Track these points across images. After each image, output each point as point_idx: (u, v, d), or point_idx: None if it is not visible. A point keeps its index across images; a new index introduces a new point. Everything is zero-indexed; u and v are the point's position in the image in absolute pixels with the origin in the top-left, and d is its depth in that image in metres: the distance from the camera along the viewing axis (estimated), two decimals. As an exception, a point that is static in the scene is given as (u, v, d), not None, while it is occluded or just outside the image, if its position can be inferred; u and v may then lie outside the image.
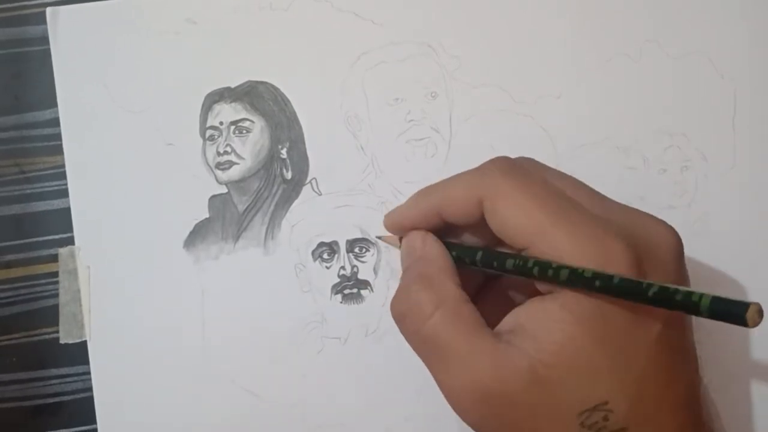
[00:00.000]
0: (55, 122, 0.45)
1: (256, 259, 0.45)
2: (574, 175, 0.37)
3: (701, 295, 0.27)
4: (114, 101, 0.45)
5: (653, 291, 0.29)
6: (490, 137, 0.45)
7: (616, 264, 0.31)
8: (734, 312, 0.26)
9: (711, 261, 0.45)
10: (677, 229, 0.34)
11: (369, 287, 0.44)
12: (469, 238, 0.38)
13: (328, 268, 0.45)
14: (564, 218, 0.32)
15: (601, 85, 0.46)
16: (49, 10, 0.45)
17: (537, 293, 0.34)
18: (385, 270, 0.44)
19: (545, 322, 0.32)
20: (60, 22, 0.45)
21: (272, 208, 0.45)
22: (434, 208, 0.36)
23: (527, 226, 0.33)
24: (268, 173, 0.45)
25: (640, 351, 0.31)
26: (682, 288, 0.28)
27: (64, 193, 0.45)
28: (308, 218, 0.45)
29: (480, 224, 0.35)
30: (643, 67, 0.46)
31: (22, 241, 0.45)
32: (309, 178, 0.45)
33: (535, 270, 0.32)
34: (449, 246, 0.37)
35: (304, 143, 0.45)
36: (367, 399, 0.44)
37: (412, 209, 0.38)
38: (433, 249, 0.36)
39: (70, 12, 0.45)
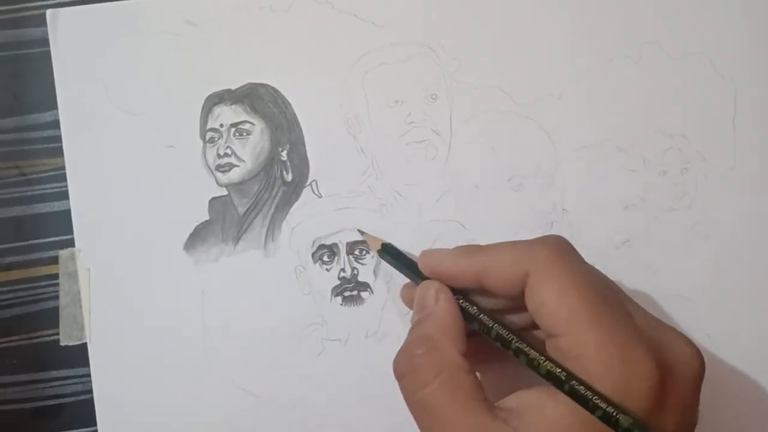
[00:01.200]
0: (56, 124, 0.45)
1: (257, 261, 0.45)
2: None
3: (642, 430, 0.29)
4: (114, 103, 0.45)
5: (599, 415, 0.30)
6: (490, 139, 0.45)
7: (640, 381, 0.31)
8: None
9: (711, 262, 0.45)
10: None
11: (369, 289, 0.44)
12: (496, 304, 0.37)
13: (328, 270, 0.45)
14: (601, 317, 0.32)
15: (601, 86, 0.46)
16: (49, 12, 0.45)
17: None
18: (385, 272, 0.44)
19: (544, 416, 0.31)
20: (60, 24, 0.45)
21: (272, 210, 0.45)
22: (476, 270, 0.36)
23: (564, 316, 0.32)
24: (268, 175, 0.45)
25: None
26: (627, 416, 0.29)
27: (64, 195, 0.45)
28: (308, 220, 0.45)
29: (518, 297, 0.34)
30: (644, 68, 0.46)
31: (22, 243, 0.45)
32: (309, 181, 0.45)
33: (543, 371, 0.32)
34: (468, 303, 0.36)
35: (304, 145, 0.45)
36: (367, 400, 0.44)
37: (453, 262, 0.37)
38: (443, 308, 0.36)
39: (70, 14, 0.45)
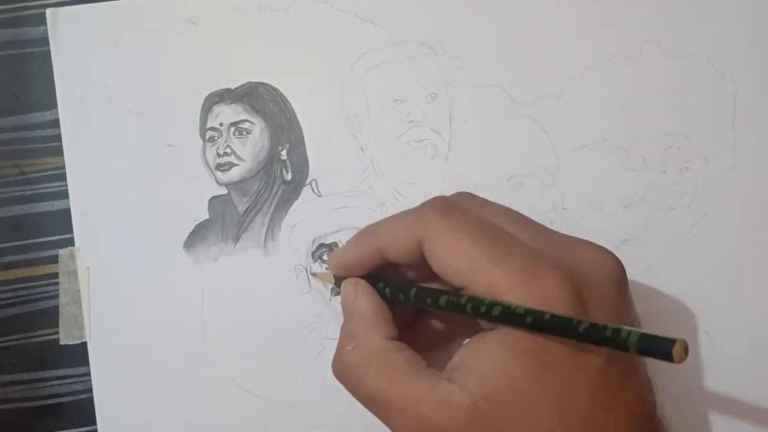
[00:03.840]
0: (55, 123, 0.45)
1: (256, 260, 0.45)
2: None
3: (629, 332, 0.28)
4: (114, 102, 0.45)
5: (583, 328, 0.29)
6: (490, 138, 0.45)
7: (553, 298, 0.31)
8: (661, 349, 0.27)
9: (711, 262, 0.45)
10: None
11: (369, 288, 0.44)
12: (413, 275, 0.38)
13: (327, 269, 0.44)
14: (499, 255, 0.32)
15: (601, 86, 0.46)
16: (49, 11, 0.45)
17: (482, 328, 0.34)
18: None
19: (485, 358, 0.32)
20: (60, 23, 0.45)
21: (272, 209, 0.45)
22: (375, 249, 0.36)
23: (464, 266, 0.33)
24: (268, 174, 0.45)
25: (583, 383, 0.31)
26: (610, 325, 0.29)
27: (64, 195, 0.45)
28: (308, 219, 0.45)
29: (423, 263, 0.35)
30: (643, 67, 0.46)
31: (22, 243, 0.45)
32: (309, 180, 0.45)
33: (468, 307, 0.32)
34: (386, 284, 0.37)
35: (304, 144, 0.45)
36: (367, 400, 0.44)
37: (354, 251, 0.37)
38: (361, 300, 0.37)
39: (70, 13, 0.45)
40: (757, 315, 0.45)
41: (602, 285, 0.33)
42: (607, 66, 0.46)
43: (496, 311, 0.31)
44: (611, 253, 0.35)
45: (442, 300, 0.34)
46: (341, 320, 0.37)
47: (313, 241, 0.45)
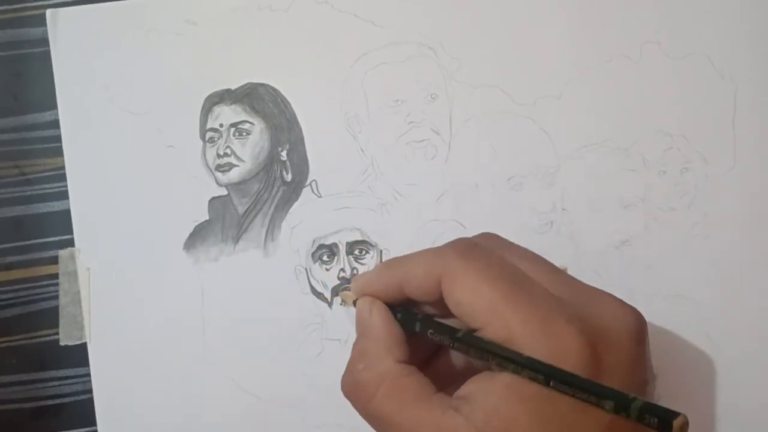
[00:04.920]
0: (55, 124, 0.45)
1: (256, 260, 0.45)
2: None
3: (631, 402, 0.28)
4: (114, 103, 0.45)
5: (582, 395, 0.29)
6: (490, 138, 0.45)
7: (568, 352, 0.31)
8: (661, 422, 0.27)
9: (711, 262, 0.45)
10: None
11: (369, 289, 0.44)
12: (431, 309, 0.37)
13: (328, 270, 0.45)
14: (517, 299, 0.32)
15: (601, 86, 0.46)
16: (48, 11, 0.45)
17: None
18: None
19: (491, 398, 0.32)
20: (60, 24, 0.45)
21: (272, 210, 0.45)
22: (397, 283, 0.36)
23: (480, 308, 0.33)
24: (268, 175, 0.45)
25: None
26: (612, 393, 0.29)
27: (64, 195, 0.45)
28: (308, 220, 0.45)
29: (442, 301, 0.35)
30: (643, 68, 0.46)
31: (22, 243, 0.45)
32: (309, 180, 0.45)
33: (477, 353, 0.32)
34: (402, 316, 0.37)
35: (304, 145, 0.45)
36: (367, 400, 0.44)
37: (377, 280, 0.38)
38: (376, 320, 0.37)
39: (70, 13, 0.45)
40: (757, 315, 0.45)
41: (620, 341, 0.32)
42: (607, 66, 0.46)
43: (503, 364, 0.31)
44: (632, 308, 0.34)
45: (457, 345, 0.34)
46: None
47: (313, 241, 0.45)
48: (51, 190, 0.45)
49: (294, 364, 0.44)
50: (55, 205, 0.45)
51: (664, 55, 0.46)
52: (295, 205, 0.45)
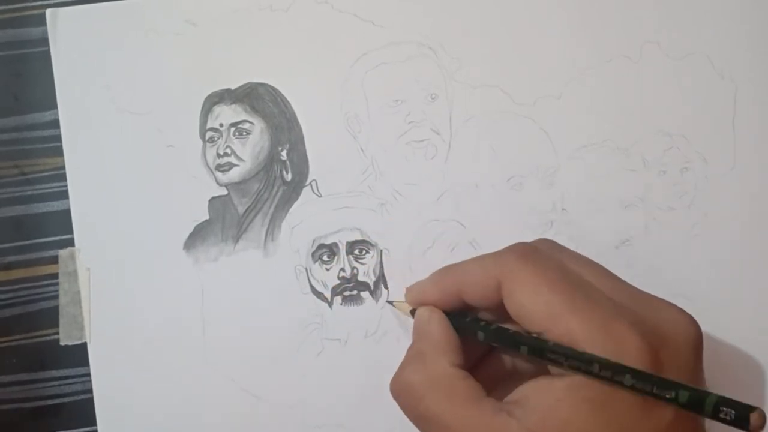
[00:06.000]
0: (55, 124, 0.45)
1: (256, 260, 0.45)
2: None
3: (706, 396, 0.28)
4: (114, 103, 0.45)
5: (660, 394, 0.29)
6: (490, 138, 0.45)
7: (629, 355, 0.31)
8: (738, 416, 0.27)
9: (711, 262, 0.45)
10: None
11: (368, 289, 0.44)
12: (486, 315, 0.38)
13: (328, 269, 0.45)
14: (578, 304, 0.32)
15: (601, 86, 0.46)
16: (48, 11, 0.45)
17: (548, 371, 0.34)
18: (385, 272, 0.44)
19: (549, 399, 0.32)
20: (60, 24, 0.45)
21: (272, 209, 0.45)
22: (454, 290, 0.37)
23: (542, 312, 0.33)
24: (268, 175, 0.45)
25: None
26: (688, 387, 0.29)
27: (64, 195, 0.45)
28: (308, 220, 0.45)
29: (499, 307, 0.35)
30: (643, 68, 0.46)
31: (22, 243, 0.45)
32: (309, 180, 0.45)
33: (549, 355, 0.32)
34: (462, 323, 0.37)
35: (304, 145, 0.45)
36: (367, 400, 0.44)
37: (432, 288, 0.38)
38: (434, 326, 0.37)
39: (70, 13, 0.45)
40: (757, 315, 0.45)
41: (679, 349, 0.33)
42: (607, 66, 0.46)
43: (573, 366, 0.31)
44: (690, 316, 0.34)
45: (522, 349, 0.34)
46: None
47: (313, 241, 0.45)
48: (51, 190, 0.45)
49: (294, 364, 0.44)
50: (55, 205, 0.45)
51: (664, 55, 0.46)
52: (295, 204, 0.45)
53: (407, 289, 0.40)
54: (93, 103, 0.45)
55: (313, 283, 0.45)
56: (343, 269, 0.44)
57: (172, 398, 0.44)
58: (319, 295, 0.45)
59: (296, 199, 0.45)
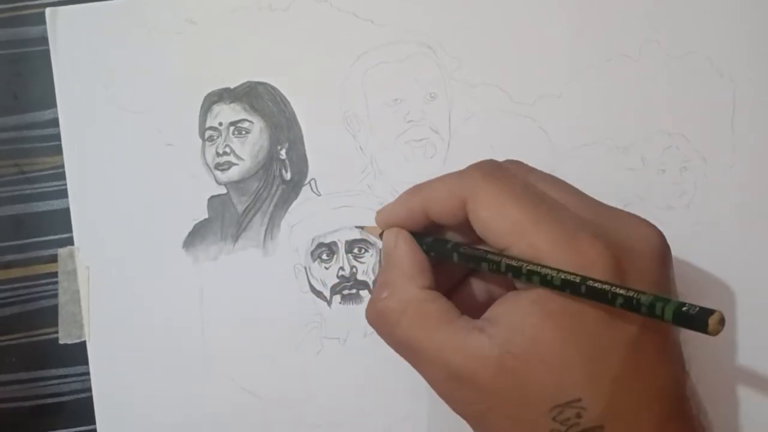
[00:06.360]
0: (55, 122, 0.45)
1: (256, 259, 0.45)
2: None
3: (666, 303, 0.28)
4: (113, 101, 0.45)
5: (620, 301, 0.30)
6: (489, 138, 0.45)
7: (593, 266, 0.31)
8: (697, 320, 0.28)
9: (710, 262, 0.45)
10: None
11: (368, 288, 0.44)
12: (456, 236, 0.38)
13: (327, 268, 0.45)
14: (542, 219, 0.33)
15: (600, 85, 0.46)
16: (48, 10, 0.45)
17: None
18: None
19: (516, 315, 0.32)
20: (59, 23, 0.45)
21: (271, 208, 0.45)
22: (420, 208, 0.37)
23: (506, 227, 0.33)
24: (267, 174, 0.45)
25: (615, 350, 0.31)
26: (647, 295, 0.29)
27: (63, 194, 0.45)
28: (307, 219, 0.45)
29: (466, 224, 0.35)
30: (643, 67, 0.46)
31: (21, 242, 0.45)
32: (308, 179, 0.45)
33: (508, 272, 0.33)
34: (429, 243, 0.37)
35: (303, 144, 0.45)
36: (367, 399, 0.44)
37: (400, 208, 0.38)
38: (401, 250, 0.37)
39: (70, 12, 0.45)
40: (757, 315, 0.45)
41: (644, 258, 0.33)
42: (607, 65, 0.46)
43: (535, 279, 0.31)
44: (654, 227, 0.35)
45: (483, 265, 0.34)
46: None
47: (313, 240, 0.45)
48: (50, 189, 0.45)
49: (293, 363, 0.44)
50: (55, 204, 0.45)
51: (664, 54, 0.46)
52: (295, 203, 0.45)
53: (377, 211, 0.40)
54: (92, 101, 0.45)
55: (313, 282, 0.45)
56: (342, 268, 0.44)
57: (171, 397, 0.44)
58: (318, 294, 0.45)
59: (295, 197, 0.45)
